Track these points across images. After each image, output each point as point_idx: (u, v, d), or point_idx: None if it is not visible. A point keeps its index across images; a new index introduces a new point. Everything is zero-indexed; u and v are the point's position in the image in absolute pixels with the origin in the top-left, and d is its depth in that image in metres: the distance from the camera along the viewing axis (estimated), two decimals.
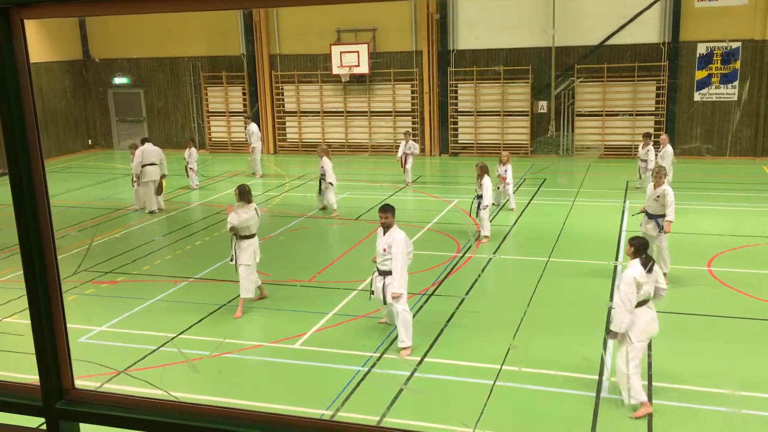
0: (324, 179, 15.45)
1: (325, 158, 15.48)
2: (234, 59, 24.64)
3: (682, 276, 11.09)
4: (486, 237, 13.20)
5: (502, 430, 6.87)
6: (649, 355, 8.08)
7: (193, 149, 18.81)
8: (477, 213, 13.13)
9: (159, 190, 16.58)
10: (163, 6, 1.92)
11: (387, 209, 8.68)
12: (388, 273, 8.52)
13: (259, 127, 21.70)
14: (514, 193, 15.89)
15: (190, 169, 18.65)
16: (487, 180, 12.99)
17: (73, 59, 25.60)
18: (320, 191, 15.71)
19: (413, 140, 19.43)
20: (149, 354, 8.67)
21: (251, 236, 9.87)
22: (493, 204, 14.15)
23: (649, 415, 6.96)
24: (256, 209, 9.97)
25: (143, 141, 16.68)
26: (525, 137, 22.31)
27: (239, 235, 9.78)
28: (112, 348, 9.04)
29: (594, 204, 15.98)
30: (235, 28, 24.36)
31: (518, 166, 16.74)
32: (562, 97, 21.79)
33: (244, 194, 9.86)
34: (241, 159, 22.75)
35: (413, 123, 22.69)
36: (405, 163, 18.57)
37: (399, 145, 19.10)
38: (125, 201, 17.49)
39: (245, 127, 21.48)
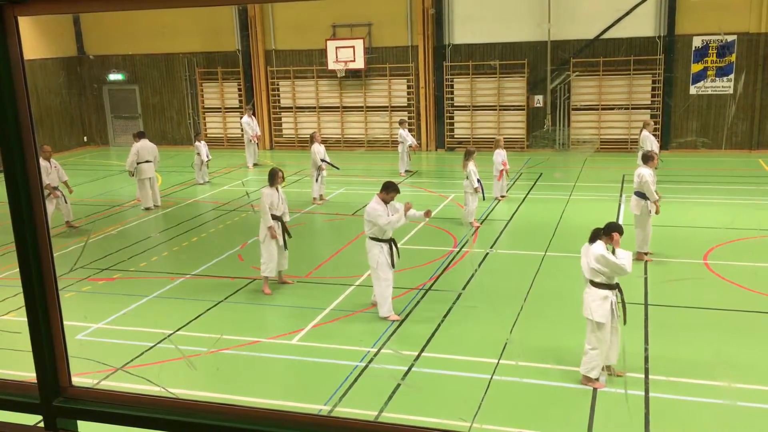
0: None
1: (314, 145, 16.10)
2: (229, 55, 24.59)
3: (678, 269, 11.12)
4: (471, 223, 13.78)
5: (499, 424, 6.89)
6: (646, 349, 8.12)
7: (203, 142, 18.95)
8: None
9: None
10: (157, 2, 1.91)
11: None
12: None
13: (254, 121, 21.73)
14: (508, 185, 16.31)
15: (203, 163, 18.77)
16: (470, 165, 13.63)
17: (67, 56, 25.52)
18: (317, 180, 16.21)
19: (409, 129, 19.75)
20: (146, 351, 8.67)
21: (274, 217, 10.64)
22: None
23: (646, 410, 6.99)
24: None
25: (139, 135, 16.62)
26: (521, 132, 22.31)
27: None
28: (110, 345, 9.03)
29: (590, 198, 16.00)
30: (230, 24, 24.30)
31: (514, 161, 16.76)
32: (558, 91, 21.79)
33: (269, 177, 10.84)
34: (238, 154, 22.72)
35: (409, 118, 22.67)
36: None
37: (400, 138, 19.22)
38: (121, 197, 17.48)
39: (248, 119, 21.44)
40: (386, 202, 9.37)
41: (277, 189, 10.68)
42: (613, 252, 7.40)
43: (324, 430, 2.04)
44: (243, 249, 12.82)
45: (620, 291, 7.42)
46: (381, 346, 8.63)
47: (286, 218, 10.92)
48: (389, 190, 9.41)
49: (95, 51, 25.81)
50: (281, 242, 10.58)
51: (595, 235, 7.51)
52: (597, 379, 7.41)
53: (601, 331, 7.30)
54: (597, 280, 7.34)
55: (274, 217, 10.57)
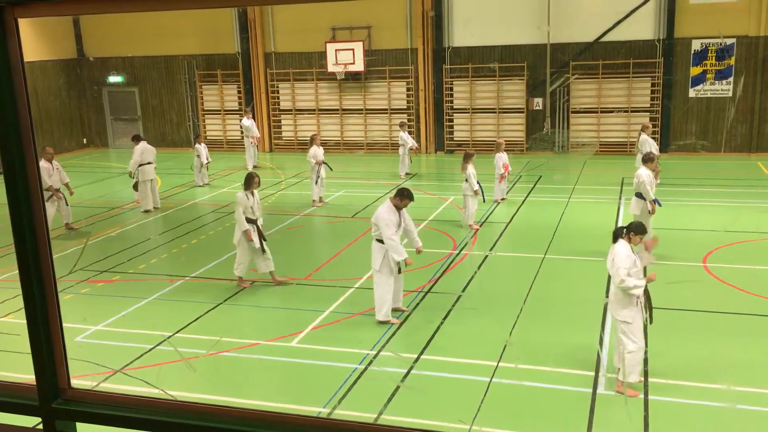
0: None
1: (312, 147, 16.12)
2: (229, 57, 24.60)
3: (677, 272, 11.11)
4: (471, 226, 13.77)
5: (498, 426, 6.88)
6: (645, 351, 8.11)
7: (203, 145, 18.95)
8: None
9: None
10: (157, 4, 1.91)
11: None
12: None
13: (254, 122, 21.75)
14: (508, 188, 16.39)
15: (202, 165, 18.74)
16: (470, 168, 13.69)
17: (67, 58, 25.53)
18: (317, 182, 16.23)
19: (408, 131, 19.81)
20: (145, 353, 8.66)
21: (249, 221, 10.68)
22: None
23: (645, 412, 6.98)
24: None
25: (137, 139, 16.59)
26: (521, 134, 22.32)
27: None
28: (109, 347, 9.02)
29: (590, 200, 16.00)
30: (230, 26, 24.32)
31: (514, 163, 16.77)
32: (557, 93, 21.81)
33: (245, 182, 10.89)
34: (237, 156, 22.72)
35: (408, 120, 22.68)
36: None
37: (401, 140, 19.23)
38: (121, 199, 17.47)
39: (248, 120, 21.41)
40: (399, 209, 9.15)
41: (252, 193, 10.72)
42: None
43: None
44: None
45: (646, 292, 7.39)
46: (380, 348, 8.63)
47: (260, 222, 10.88)
48: (403, 197, 9.11)
49: (95, 53, 25.83)
50: (257, 245, 10.57)
51: (616, 235, 7.53)
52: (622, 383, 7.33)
53: (631, 330, 7.23)
54: None
55: (249, 221, 10.58)
